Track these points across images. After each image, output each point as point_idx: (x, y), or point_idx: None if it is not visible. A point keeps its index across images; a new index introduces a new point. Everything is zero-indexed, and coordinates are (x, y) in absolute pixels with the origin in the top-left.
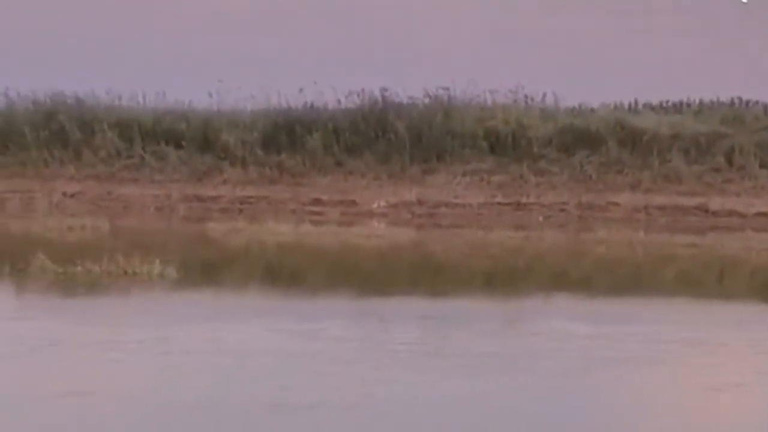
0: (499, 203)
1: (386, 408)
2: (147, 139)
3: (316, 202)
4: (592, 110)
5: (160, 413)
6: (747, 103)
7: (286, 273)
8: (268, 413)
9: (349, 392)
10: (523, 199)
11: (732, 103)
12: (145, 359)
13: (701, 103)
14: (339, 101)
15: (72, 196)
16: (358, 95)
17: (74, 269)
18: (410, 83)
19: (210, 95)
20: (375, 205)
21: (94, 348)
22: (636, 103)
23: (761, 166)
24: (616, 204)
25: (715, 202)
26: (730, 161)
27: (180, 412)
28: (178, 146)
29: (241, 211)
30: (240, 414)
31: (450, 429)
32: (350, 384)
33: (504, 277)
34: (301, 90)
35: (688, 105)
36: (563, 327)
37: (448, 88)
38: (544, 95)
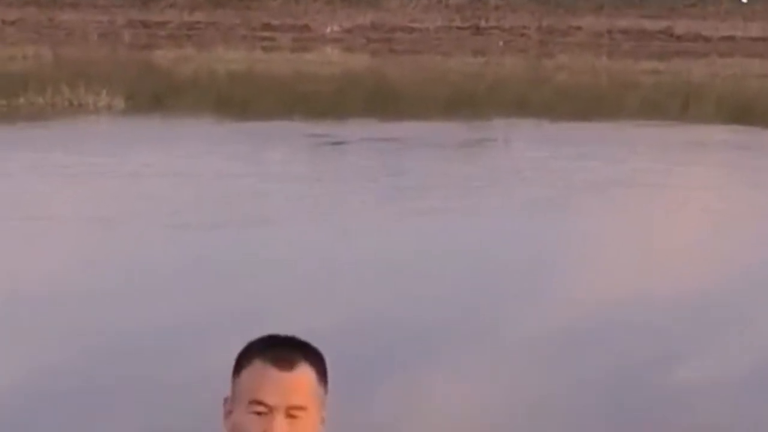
0: (458, 27)
1: (336, 225)
2: None
3: (267, 27)
4: None
5: (102, 229)
6: None
7: (236, 101)
8: (207, 229)
9: (297, 210)
10: (482, 23)
11: None
12: (86, 181)
13: None
14: None
15: (12, 23)
16: None
17: (17, 101)
18: None
19: None
20: (328, 30)
21: (37, 171)
22: None
23: None
24: (578, 28)
25: (680, 26)
26: None
27: (117, 226)
28: None
29: (189, 37)
30: (180, 227)
31: (418, 246)
32: (299, 203)
33: (464, 104)
34: None
35: None
36: (528, 151)
37: None
38: None
